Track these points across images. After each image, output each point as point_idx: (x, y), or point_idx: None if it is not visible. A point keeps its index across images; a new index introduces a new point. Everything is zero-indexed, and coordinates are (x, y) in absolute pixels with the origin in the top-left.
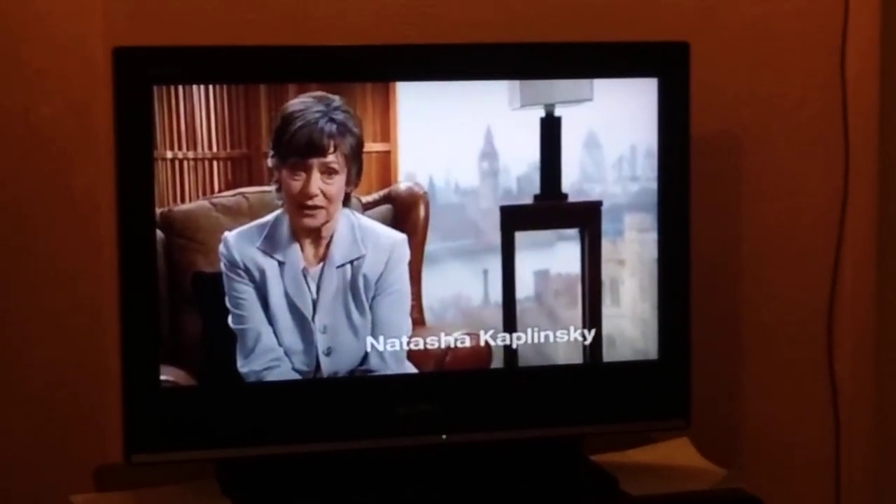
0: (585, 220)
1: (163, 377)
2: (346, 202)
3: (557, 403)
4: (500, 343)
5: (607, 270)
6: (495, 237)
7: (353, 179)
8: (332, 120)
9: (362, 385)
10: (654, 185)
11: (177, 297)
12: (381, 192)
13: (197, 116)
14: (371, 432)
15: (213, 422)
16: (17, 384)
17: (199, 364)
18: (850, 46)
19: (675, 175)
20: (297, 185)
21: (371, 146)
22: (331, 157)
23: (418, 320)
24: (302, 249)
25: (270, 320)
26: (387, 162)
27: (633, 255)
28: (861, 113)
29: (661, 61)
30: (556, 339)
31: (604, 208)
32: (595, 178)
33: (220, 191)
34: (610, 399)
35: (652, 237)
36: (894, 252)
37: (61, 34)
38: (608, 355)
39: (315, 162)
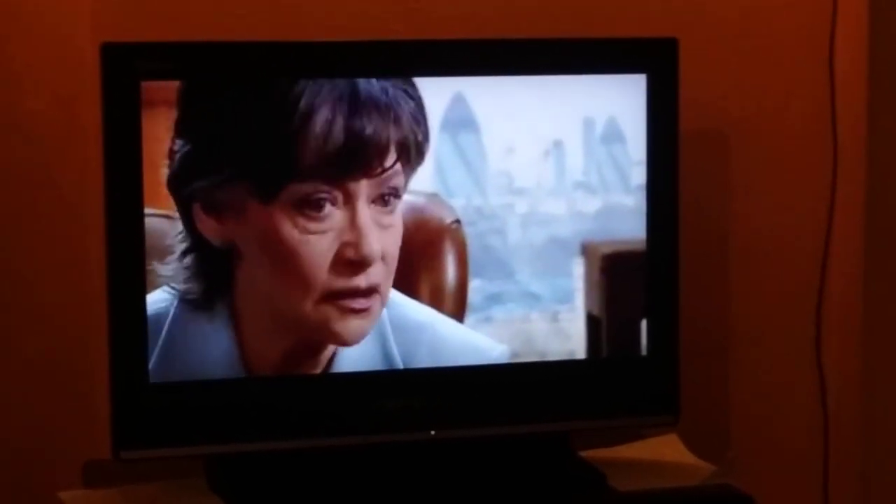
0: None
1: None
2: None
3: (546, 399)
4: None
5: None
6: None
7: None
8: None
9: (350, 380)
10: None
11: None
12: None
13: None
14: (359, 428)
15: (201, 418)
16: (3, 380)
17: None
18: (838, 42)
19: (664, 171)
20: (321, 238)
21: None
22: (394, 168)
23: None
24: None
25: None
26: None
27: None
28: (849, 108)
29: (650, 57)
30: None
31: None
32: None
33: None
34: (598, 395)
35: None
36: (882, 247)
37: (49, 29)
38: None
39: (364, 184)
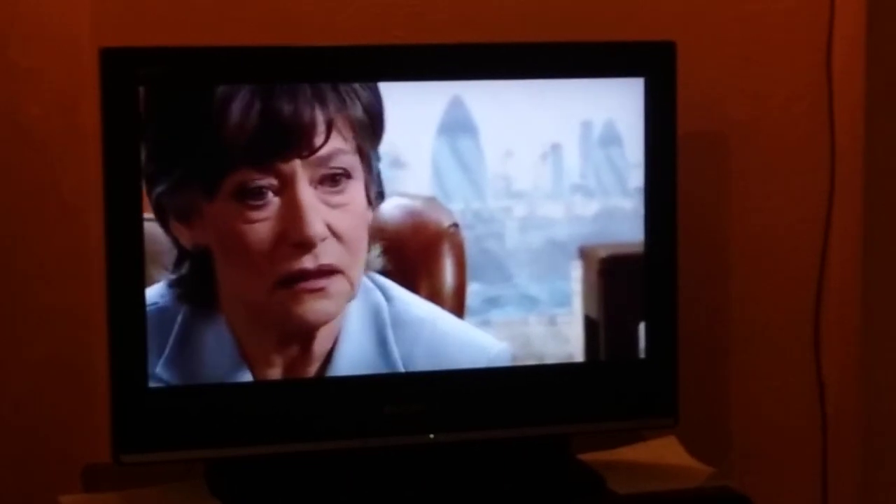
0: None
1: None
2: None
3: (545, 402)
4: None
5: None
6: None
7: (375, 197)
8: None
9: (350, 384)
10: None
11: None
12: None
13: None
14: (359, 432)
15: (201, 422)
16: (4, 384)
17: None
18: (835, 44)
19: (662, 174)
20: (264, 225)
21: None
22: (331, 145)
23: None
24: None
25: None
26: None
27: None
28: (847, 111)
29: (648, 60)
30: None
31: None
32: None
33: None
34: (597, 398)
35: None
36: (880, 249)
37: (50, 34)
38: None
39: (299, 165)
